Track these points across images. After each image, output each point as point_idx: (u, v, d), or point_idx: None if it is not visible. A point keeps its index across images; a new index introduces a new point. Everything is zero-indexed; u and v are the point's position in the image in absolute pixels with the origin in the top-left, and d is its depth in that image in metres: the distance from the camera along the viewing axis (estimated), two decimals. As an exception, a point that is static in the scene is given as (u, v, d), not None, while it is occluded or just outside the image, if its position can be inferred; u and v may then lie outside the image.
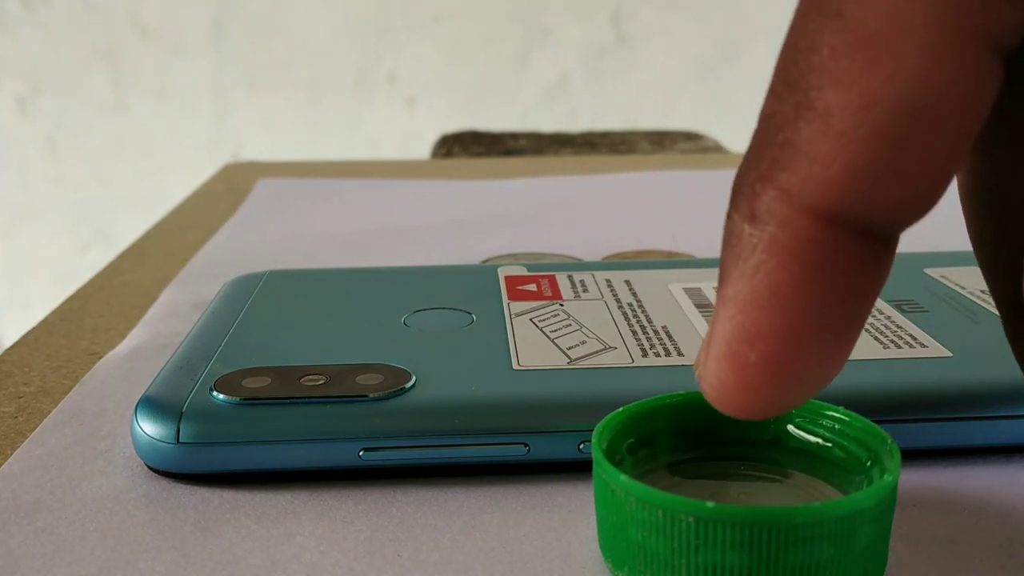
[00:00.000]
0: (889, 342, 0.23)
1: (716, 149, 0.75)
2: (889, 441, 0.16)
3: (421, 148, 1.21)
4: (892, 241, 0.13)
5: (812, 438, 0.18)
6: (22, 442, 0.22)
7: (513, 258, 0.36)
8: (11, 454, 0.21)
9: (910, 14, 0.12)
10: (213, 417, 0.20)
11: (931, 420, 0.20)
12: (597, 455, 0.16)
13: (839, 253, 0.13)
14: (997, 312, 0.16)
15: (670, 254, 0.37)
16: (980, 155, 0.15)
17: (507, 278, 0.28)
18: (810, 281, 0.13)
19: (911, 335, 0.23)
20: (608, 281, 0.27)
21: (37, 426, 0.22)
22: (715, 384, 0.14)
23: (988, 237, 0.15)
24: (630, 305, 0.25)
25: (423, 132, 1.23)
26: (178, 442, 0.19)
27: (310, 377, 0.21)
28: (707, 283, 0.27)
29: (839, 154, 0.12)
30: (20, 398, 0.24)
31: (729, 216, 0.13)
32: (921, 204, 0.13)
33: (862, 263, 0.13)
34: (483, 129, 0.82)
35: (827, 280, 0.13)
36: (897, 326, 0.24)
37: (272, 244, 0.39)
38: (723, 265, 0.14)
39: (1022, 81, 0.14)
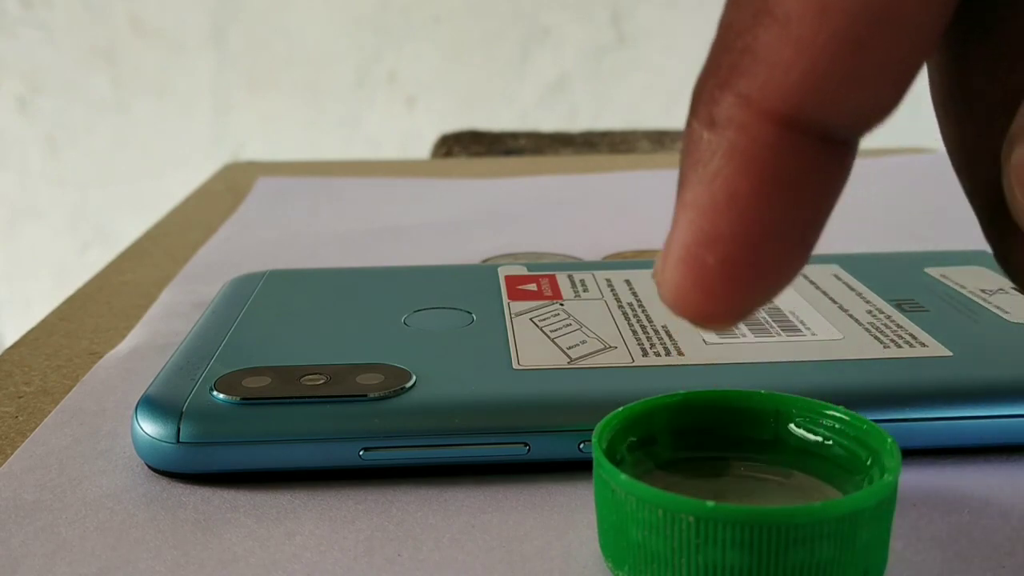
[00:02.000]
0: (889, 341, 0.23)
1: (716, 149, 0.75)
2: (889, 441, 0.16)
3: (421, 148, 1.21)
4: (853, 144, 0.13)
5: (812, 437, 0.18)
6: (22, 442, 0.22)
7: (513, 258, 0.36)
8: (11, 454, 0.21)
9: None
10: (213, 417, 0.20)
11: (931, 420, 0.20)
12: (597, 455, 0.16)
13: (798, 157, 0.13)
14: (979, 223, 0.15)
15: (670, 254, 0.37)
16: (953, 51, 0.14)
17: (507, 278, 0.28)
18: (769, 185, 0.13)
19: (911, 335, 0.23)
20: (608, 281, 0.27)
21: (37, 426, 0.22)
22: (672, 288, 0.14)
23: (966, 137, 0.15)
24: (630, 305, 0.25)
25: (423, 132, 1.23)
26: (178, 442, 0.19)
27: (310, 377, 0.21)
28: (707, 283, 0.27)
29: (798, 60, 0.12)
30: (20, 398, 0.24)
31: (688, 123, 0.13)
32: (883, 107, 0.13)
33: (822, 167, 0.13)
34: (483, 129, 0.82)
35: (786, 184, 0.13)
36: (897, 325, 0.24)
37: (272, 244, 0.39)
38: (682, 172, 0.13)
39: None
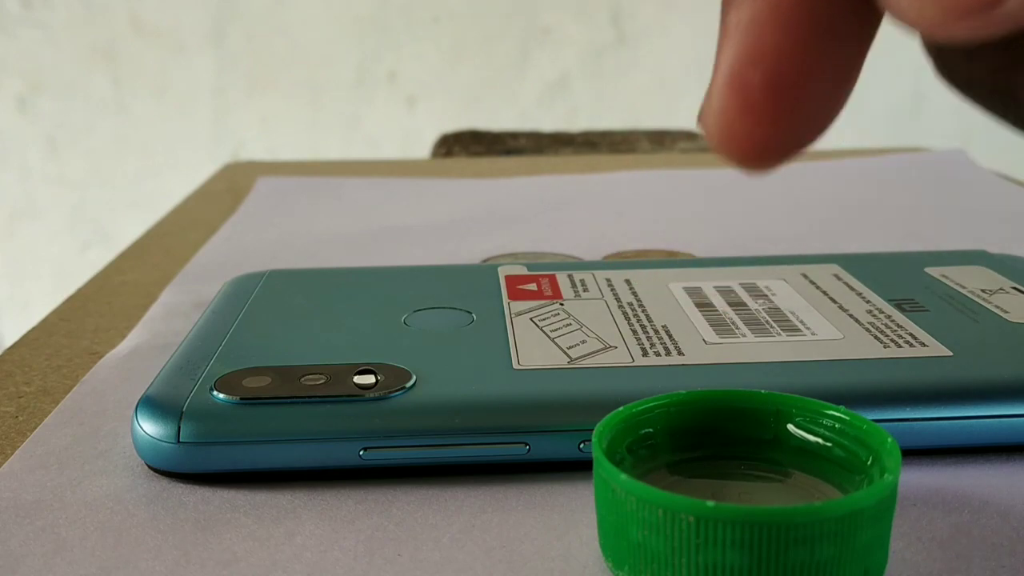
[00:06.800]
0: (889, 341, 0.23)
1: (716, 149, 0.75)
2: (889, 440, 0.16)
3: (421, 148, 1.21)
4: None
5: (812, 437, 0.18)
6: (22, 442, 0.22)
7: (513, 257, 0.36)
8: (11, 454, 0.21)
9: None
10: (213, 417, 0.20)
11: (931, 419, 0.20)
12: (597, 455, 0.16)
13: None
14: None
15: (670, 254, 0.37)
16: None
17: (507, 277, 0.28)
18: None
19: (911, 334, 0.23)
20: (608, 280, 0.27)
21: (37, 426, 0.22)
22: (719, 116, 0.13)
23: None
24: (630, 304, 0.25)
25: (423, 132, 1.23)
26: (178, 442, 0.19)
27: (310, 377, 0.21)
28: (707, 283, 0.27)
29: None
30: (20, 398, 0.24)
31: None
32: None
33: None
34: (483, 128, 0.82)
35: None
36: (897, 325, 0.24)
37: (272, 244, 0.39)
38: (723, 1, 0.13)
39: None
